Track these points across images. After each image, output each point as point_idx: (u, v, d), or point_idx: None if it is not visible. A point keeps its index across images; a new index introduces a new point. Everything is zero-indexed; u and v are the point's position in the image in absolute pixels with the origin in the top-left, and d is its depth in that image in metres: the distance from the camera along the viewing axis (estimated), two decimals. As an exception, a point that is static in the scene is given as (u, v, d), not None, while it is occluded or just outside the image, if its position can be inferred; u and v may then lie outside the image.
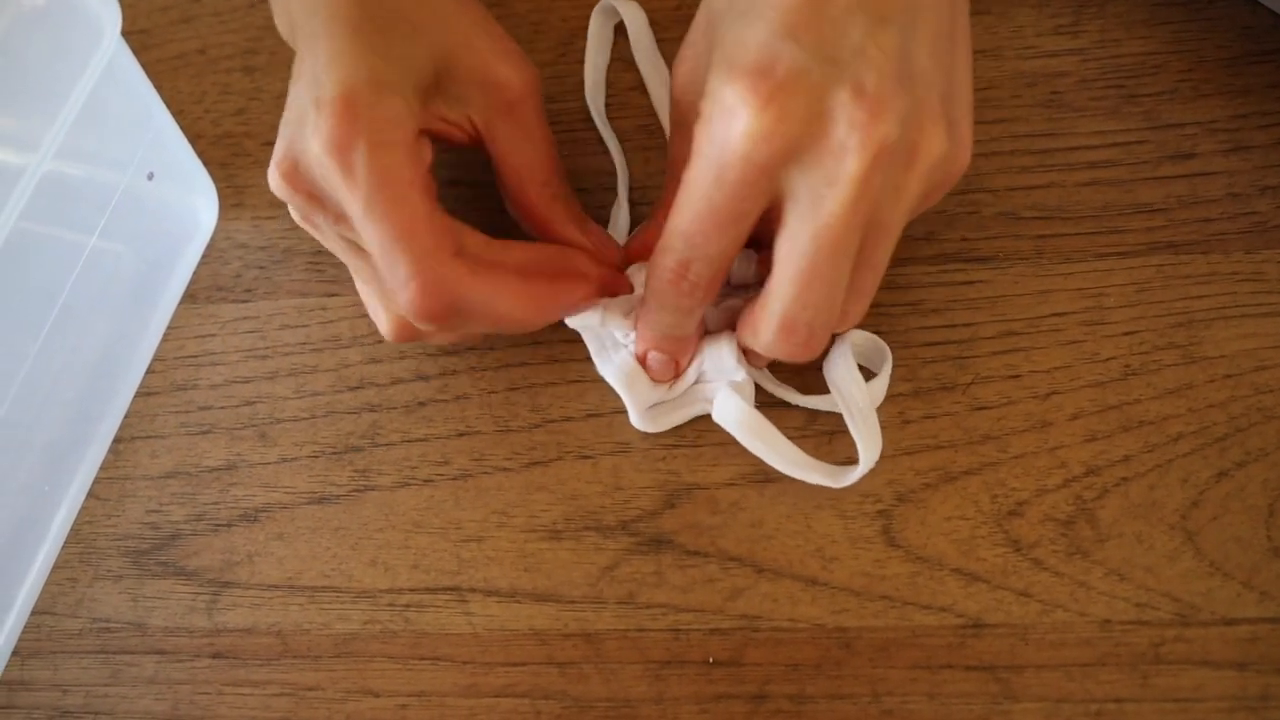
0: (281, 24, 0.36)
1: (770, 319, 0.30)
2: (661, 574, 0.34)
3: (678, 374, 0.35)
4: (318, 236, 0.33)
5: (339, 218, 0.31)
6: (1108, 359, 0.35)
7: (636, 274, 0.35)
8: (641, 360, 0.35)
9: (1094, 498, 0.33)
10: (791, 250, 0.28)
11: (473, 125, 0.34)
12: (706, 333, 0.35)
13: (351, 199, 0.30)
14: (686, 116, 0.31)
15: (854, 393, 0.34)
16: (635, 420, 0.35)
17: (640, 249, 0.35)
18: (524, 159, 0.34)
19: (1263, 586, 0.32)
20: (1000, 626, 0.32)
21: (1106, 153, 0.37)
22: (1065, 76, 0.39)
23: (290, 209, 0.33)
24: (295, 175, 0.31)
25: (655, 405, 0.36)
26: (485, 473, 0.36)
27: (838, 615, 0.33)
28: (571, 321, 0.35)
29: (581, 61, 0.42)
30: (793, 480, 0.35)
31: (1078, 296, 0.36)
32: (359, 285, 0.35)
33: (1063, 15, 0.40)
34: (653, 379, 0.35)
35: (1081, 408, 0.34)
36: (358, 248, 0.32)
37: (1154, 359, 0.35)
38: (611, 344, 0.36)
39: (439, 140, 0.34)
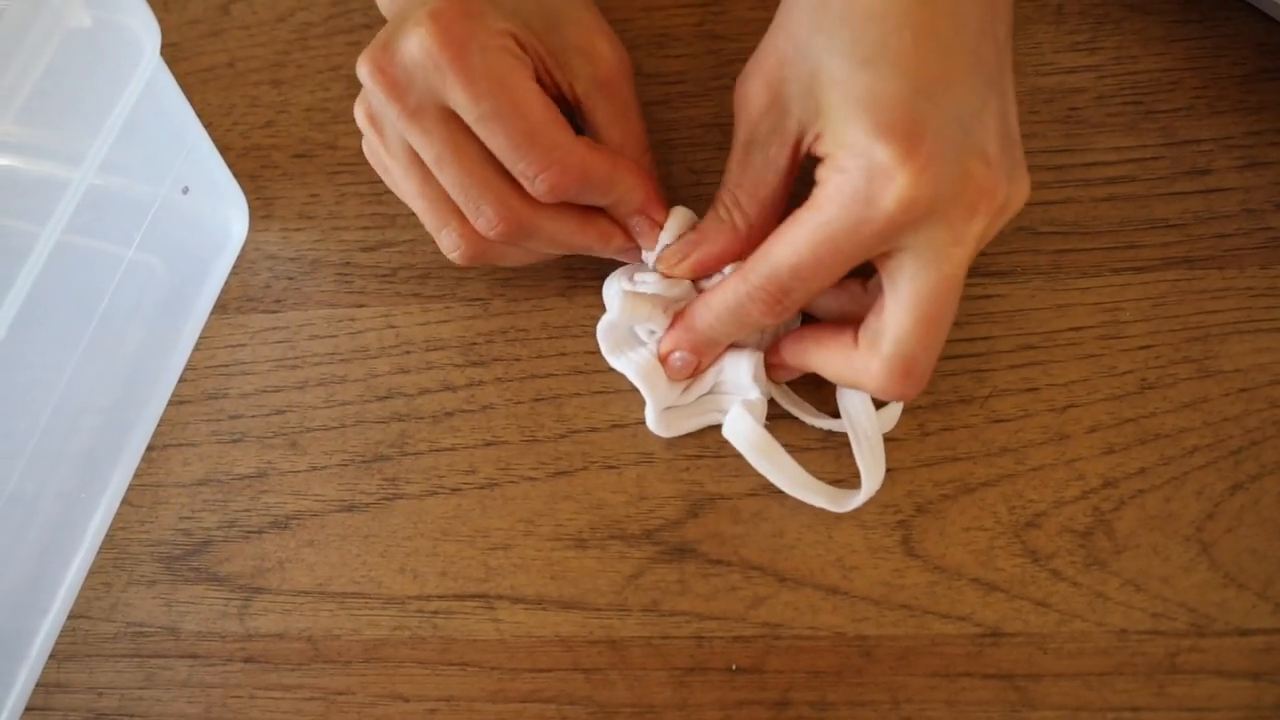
0: None
1: (893, 361, 0.31)
2: (685, 582, 0.35)
3: (696, 374, 0.36)
4: (378, 147, 0.34)
5: (416, 112, 0.32)
6: (1124, 373, 0.35)
7: (676, 220, 0.36)
8: (663, 359, 0.35)
9: (1111, 509, 0.34)
10: (917, 298, 0.30)
11: (572, 91, 0.35)
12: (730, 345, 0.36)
13: (472, 102, 0.31)
14: (766, 140, 0.32)
15: (863, 420, 0.34)
16: (651, 421, 0.36)
17: (702, 269, 0.35)
18: (620, 134, 0.35)
19: (1277, 597, 0.32)
20: (1018, 636, 0.33)
21: (1123, 168, 0.38)
22: (1082, 93, 0.39)
23: (361, 107, 0.34)
24: (388, 63, 0.31)
25: (670, 409, 0.36)
26: (512, 482, 0.37)
27: (858, 624, 0.34)
28: (625, 319, 0.35)
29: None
30: (814, 491, 0.35)
31: (1094, 311, 0.36)
32: (421, 204, 0.35)
33: (1080, 32, 0.40)
34: (670, 377, 0.36)
35: (1098, 421, 0.35)
36: (419, 161, 0.33)
37: (1170, 373, 0.35)
38: (631, 340, 0.36)
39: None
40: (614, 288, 0.37)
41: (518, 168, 0.32)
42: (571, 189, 0.33)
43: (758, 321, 0.33)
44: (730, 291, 0.33)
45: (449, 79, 0.31)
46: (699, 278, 0.35)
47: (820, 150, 0.30)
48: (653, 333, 0.36)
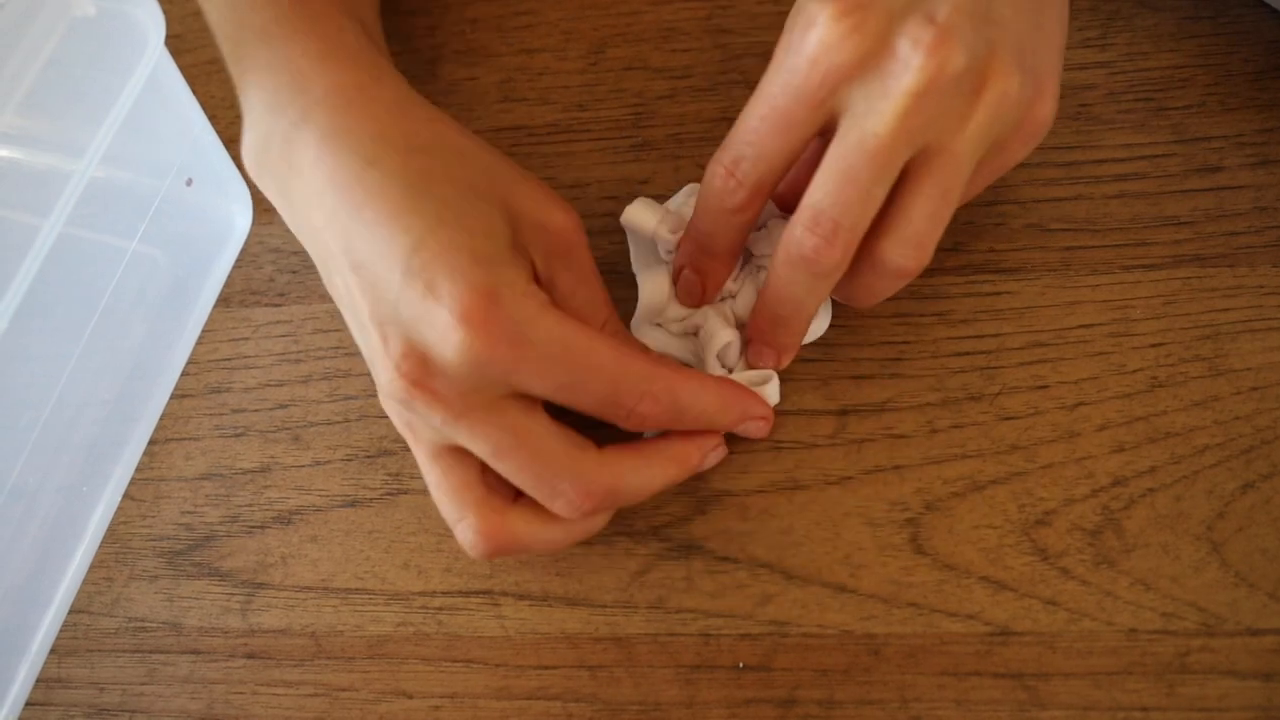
0: (267, 183, 0.34)
1: (803, 211, 0.31)
2: (692, 579, 0.35)
3: (700, 303, 0.36)
4: (403, 431, 0.33)
5: (465, 413, 0.30)
6: (1134, 371, 0.35)
7: (689, 198, 0.37)
8: (675, 276, 0.36)
9: (1121, 508, 0.34)
10: (836, 150, 0.30)
11: (534, 273, 0.32)
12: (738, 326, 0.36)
13: (543, 379, 0.30)
14: None
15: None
16: (634, 323, 0.37)
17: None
18: (585, 299, 0.33)
19: (1288, 598, 0.32)
20: (1027, 634, 0.33)
21: (1134, 165, 0.38)
22: (1093, 89, 0.39)
23: (391, 403, 0.32)
24: (426, 376, 0.29)
25: (653, 328, 0.37)
26: (517, 478, 0.37)
27: (866, 622, 0.34)
28: (625, 221, 0.36)
29: (611, 70, 0.42)
30: (822, 488, 0.35)
31: (1105, 308, 0.36)
32: (439, 495, 0.33)
33: (1091, 28, 0.40)
34: (678, 298, 0.36)
35: (1108, 419, 0.35)
36: (448, 456, 0.32)
37: (1180, 371, 0.35)
38: (654, 255, 0.37)
39: None
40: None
41: (612, 413, 0.31)
42: (666, 416, 0.32)
43: (726, 202, 0.32)
44: (703, 182, 0.33)
45: (514, 372, 0.29)
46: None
47: None
48: (670, 252, 0.37)
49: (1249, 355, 0.35)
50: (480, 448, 0.31)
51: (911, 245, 0.31)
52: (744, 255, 0.36)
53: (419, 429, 0.32)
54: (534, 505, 0.32)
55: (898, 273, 0.32)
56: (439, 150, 0.32)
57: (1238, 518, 0.33)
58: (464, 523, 0.32)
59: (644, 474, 0.33)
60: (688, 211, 0.37)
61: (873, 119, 0.29)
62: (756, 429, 0.35)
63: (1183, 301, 0.36)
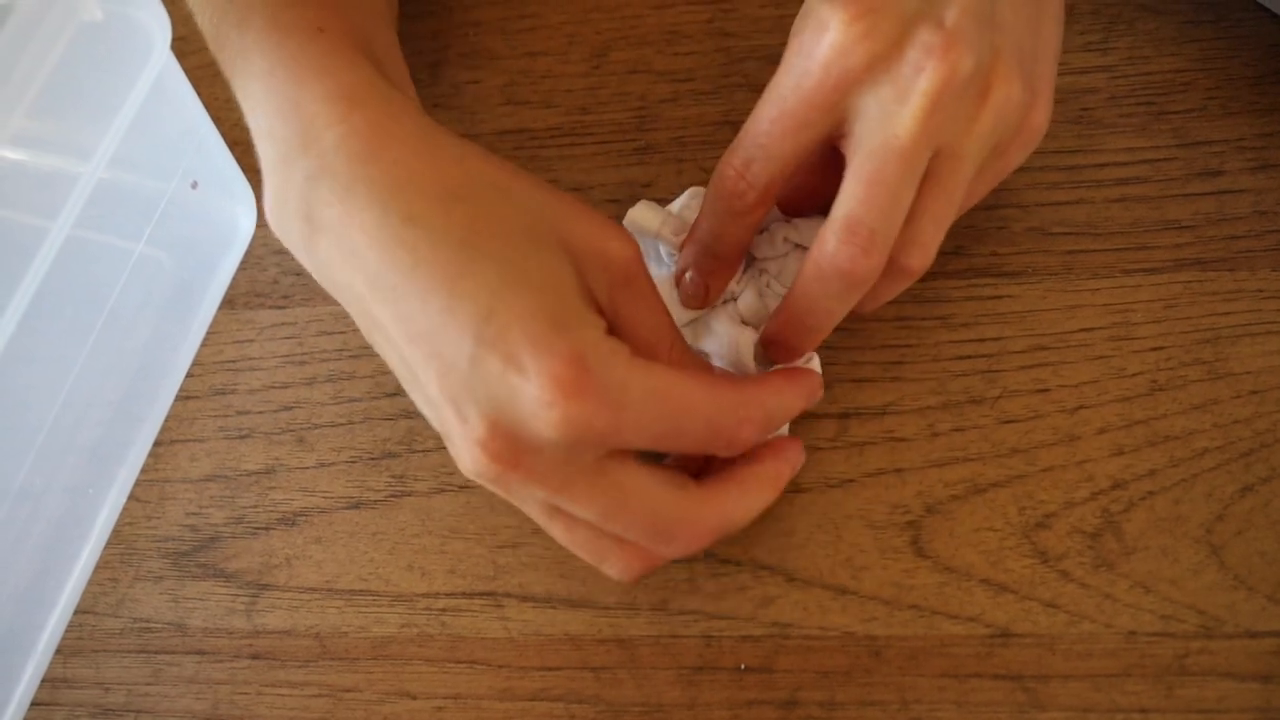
0: (294, 240, 0.31)
1: (835, 222, 0.30)
2: (694, 581, 0.35)
3: (703, 305, 0.36)
4: (510, 500, 0.31)
5: (566, 485, 0.28)
6: (1135, 374, 0.35)
7: (691, 201, 0.37)
8: (678, 279, 0.36)
9: (1120, 511, 0.34)
10: (860, 158, 0.30)
11: (596, 302, 0.30)
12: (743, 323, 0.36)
13: (639, 434, 0.28)
14: None
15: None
16: None
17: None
18: (651, 326, 0.32)
19: (1287, 600, 0.32)
20: (1027, 637, 0.33)
21: (1135, 169, 0.38)
22: (1095, 93, 0.39)
23: (482, 476, 0.29)
24: (517, 454, 0.28)
25: None
26: (520, 480, 0.37)
27: (867, 624, 0.34)
28: (628, 223, 0.36)
29: (615, 74, 0.42)
30: (823, 491, 0.35)
31: (1105, 312, 0.36)
32: (574, 541, 0.31)
33: (1092, 32, 0.40)
34: (681, 301, 0.36)
35: (1109, 422, 0.35)
36: (564, 513, 0.30)
37: (1180, 375, 0.35)
38: (655, 258, 0.37)
39: None
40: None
41: (714, 446, 0.30)
42: (762, 430, 0.31)
43: (735, 205, 0.32)
44: (712, 182, 0.33)
45: (615, 434, 0.27)
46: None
47: None
48: (673, 255, 0.37)
49: (1248, 359, 0.35)
50: (588, 514, 0.29)
51: (917, 245, 0.31)
52: (746, 259, 0.37)
53: (520, 498, 0.30)
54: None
55: (903, 273, 0.32)
56: (480, 194, 0.29)
57: (1237, 520, 0.33)
58: (607, 564, 0.31)
59: (746, 502, 0.32)
60: (690, 214, 0.37)
61: (893, 123, 0.29)
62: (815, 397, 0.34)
63: (1183, 305, 0.36)
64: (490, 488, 0.29)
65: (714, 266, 0.35)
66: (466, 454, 0.28)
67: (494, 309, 0.27)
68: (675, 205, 0.38)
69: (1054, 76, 0.33)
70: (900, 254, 0.31)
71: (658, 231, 0.36)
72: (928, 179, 0.31)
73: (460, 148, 0.30)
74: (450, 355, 0.27)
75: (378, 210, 0.28)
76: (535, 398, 0.26)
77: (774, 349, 0.35)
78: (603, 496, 0.29)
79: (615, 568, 0.31)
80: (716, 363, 0.36)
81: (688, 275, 0.36)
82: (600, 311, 0.30)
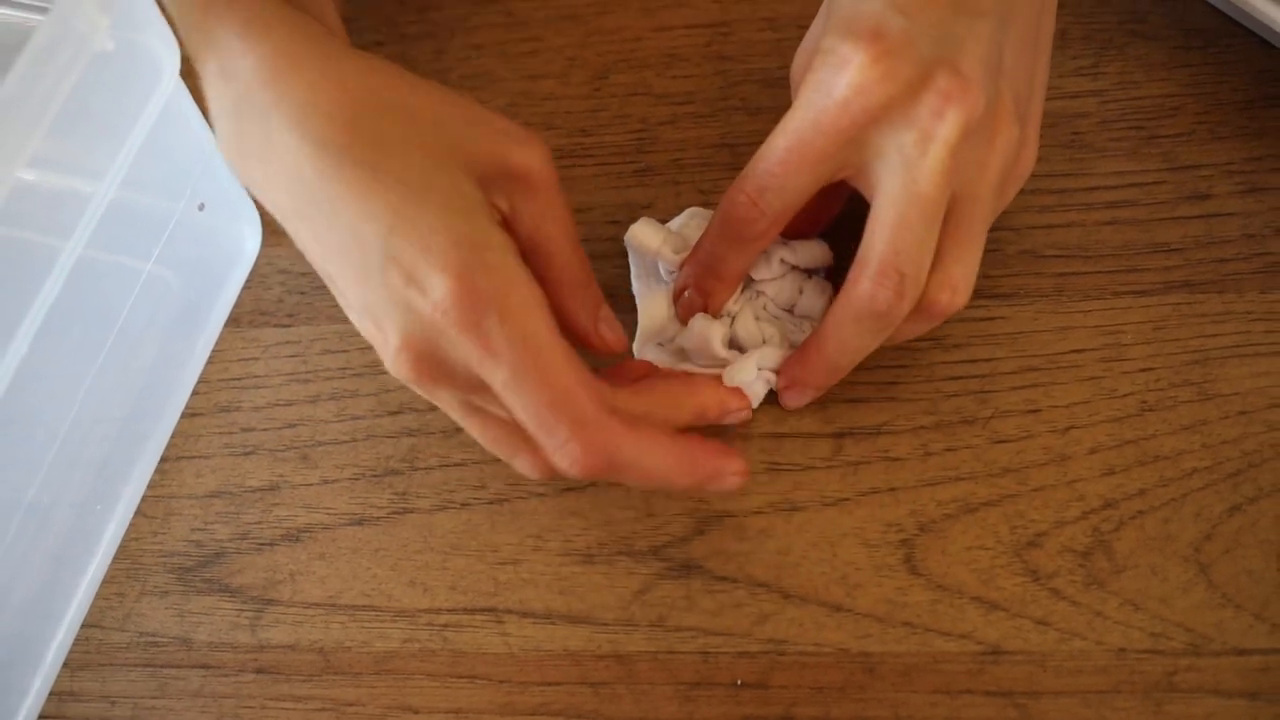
0: (252, 180, 0.32)
1: (868, 266, 0.32)
2: (691, 598, 0.36)
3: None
4: (432, 401, 0.33)
5: (471, 388, 0.30)
6: (1125, 395, 0.36)
7: (689, 220, 0.37)
8: (676, 296, 0.37)
9: (1110, 530, 0.34)
10: (886, 202, 0.31)
11: (501, 214, 0.32)
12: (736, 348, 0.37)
13: (493, 368, 0.29)
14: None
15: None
16: (635, 345, 0.38)
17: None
18: (546, 234, 0.33)
19: (1274, 618, 0.33)
20: (1019, 654, 0.34)
21: (1125, 193, 0.39)
22: (1085, 117, 0.40)
23: (410, 384, 0.31)
24: (428, 364, 0.30)
25: (654, 347, 0.38)
26: (520, 498, 0.38)
27: (861, 640, 0.34)
28: (629, 239, 0.37)
29: (614, 96, 0.43)
30: (818, 509, 0.36)
31: (1096, 334, 0.37)
32: (487, 438, 0.33)
33: (1083, 57, 0.41)
34: (678, 318, 0.37)
35: (1099, 442, 0.36)
36: (480, 411, 0.32)
37: (1170, 395, 0.36)
38: (655, 276, 0.38)
39: None
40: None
41: (544, 440, 0.30)
42: (600, 467, 0.30)
43: (745, 232, 0.33)
44: (721, 208, 0.34)
45: (472, 358, 0.29)
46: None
47: None
48: (671, 272, 0.37)
49: (1237, 380, 0.36)
50: (495, 411, 0.31)
51: (949, 289, 0.33)
52: (744, 280, 0.37)
53: (439, 400, 0.32)
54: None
55: (938, 315, 0.33)
56: (384, 113, 0.30)
57: (1225, 540, 0.34)
58: (517, 459, 0.33)
59: (637, 438, 0.31)
60: (690, 233, 0.37)
61: (916, 170, 0.30)
62: (730, 483, 0.33)
63: (1172, 327, 0.37)
64: (414, 389, 0.32)
65: (714, 287, 0.36)
66: (388, 361, 0.30)
67: (395, 226, 0.29)
68: (674, 224, 0.39)
69: (1040, 116, 0.34)
70: (935, 296, 0.33)
71: (658, 250, 0.37)
72: (950, 221, 0.32)
73: (366, 67, 0.31)
74: (361, 271, 0.29)
75: (293, 134, 0.29)
76: (432, 310, 0.28)
77: (793, 391, 0.36)
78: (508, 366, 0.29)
79: (525, 463, 0.33)
80: (696, 360, 0.37)
81: (687, 293, 0.36)
82: (506, 222, 0.32)
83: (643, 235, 0.37)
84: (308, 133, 0.29)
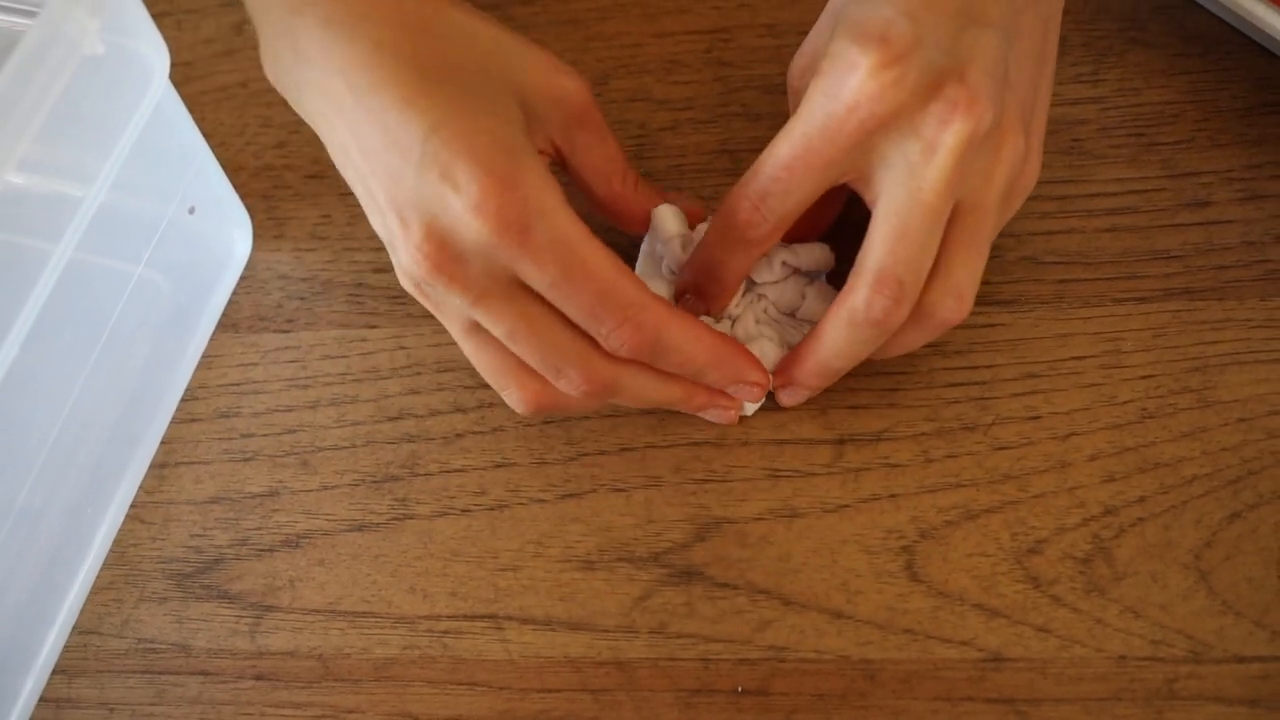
0: (283, 80, 0.34)
1: (866, 273, 0.32)
2: (692, 605, 0.36)
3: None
4: (436, 315, 0.34)
5: (481, 293, 0.31)
6: (1125, 402, 0.36)
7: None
8: (677, 298, 0.37)
9: (1111, 537, 0.35)
10: (888, 210, 0.31)
11: (554, 144, 0.35)
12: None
13: (540, 271, 0.30)
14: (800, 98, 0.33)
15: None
16: None
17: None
18: (603, 157, 0.36)
19: (1274, 625, 0.33)
20: (1020, 661, 0.34)
21: (1125, 199, 0.39)
22: (1086, 124, 0.40)
23: (408, 281, 0.33)
24: (444, 258, 0.30)
25: None
26: (521, 504, 0.38)
27: (862, 647, 0.34)
28: (654, 216, 0.37)
29: (615, 101, 0.43)
30: (819, 516, 0.36)
31: (1096, 340, 0.37)
32: (482, 362, 0.34)
33: (1083, 64, 0.41)
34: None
35: (1099, 449, 0.36)
36: (480, 333, 0.33)
37: (1170, 403, 0.36)
38: (656, 273, 0.38)
39: None
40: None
41: (594, 329, 0.32)
42: (646, 349, 0.32)
43: (747, 235, 0.33)
44: (722, 210, 0.34)
45: (518, 260, 0.30)
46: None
47: None
48: (673, 271, 0.37)
49: (1236, 387, 0.36)
50: (497, 330, 0.32)
51: (953, 297, 0.33)
52: (745, 282, 0.37)
53: (445, 308, 0.33)
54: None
55: (941, 324, 0.33)
56: (444, 32, 0.32)
57: (1225, 547, 0.34)
58: (507, 391, 0.34)
59: (644, 382, 0.34)
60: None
61: (920, 175, 0.30)
62: (749, 394, 0.36)
63: (1172, 334, 0.37)
64: (419, 297, 0.33)
65: (715, 291, 0.36)
66: (406, 256, 0.31)
67: (438, 125, 0.30)
68: (699, 231, 0.38)
69: (1044, 130, 0.34)
70: (938, 306, 0.33)
71: (672, 237, 0.37)
72: (954, 231, 0.32)
73: None
74: (397, 167, 0.30)
75: (350, 38, 0.31)
76: (462, 205, 0.29)
77: (789, 390, 0.37)
78: (512, 315, 0.32)
79: (514, 396, 0.34)
80: None
81: (687, 297, 0.36)
82: (556, 149, 0.35)
83: (664, 219, 0.37)
84: (369, 35, 0.31)
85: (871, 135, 0.30)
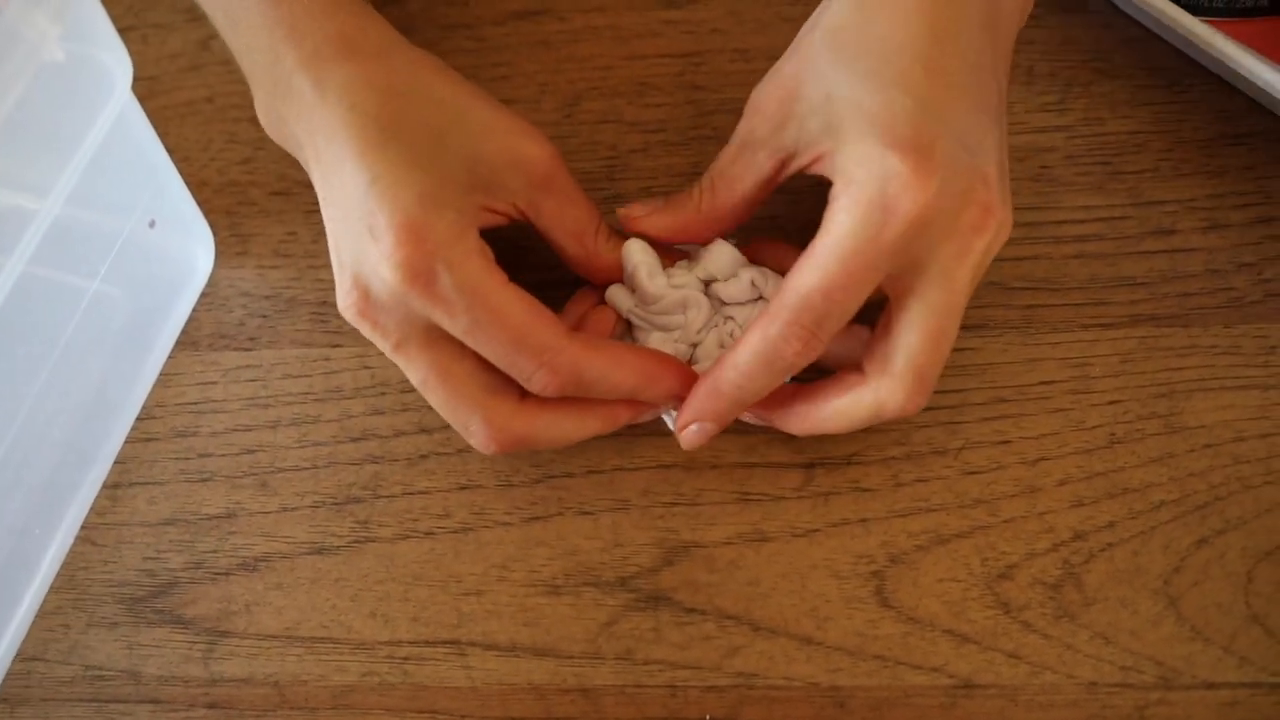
0: (278, 133, 0.37)
1: (906, 375, 0.32)
2: (659, 631, 0.35)
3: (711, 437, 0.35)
4: (397, 362, 0.34)
5: (401, 340, 0.33)
6: (1094, 427, 0.36)
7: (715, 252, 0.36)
8: (681, 429, 0.34)
9: (1081, 562, 0.34)
10: (926, 311, 0.32)
11: (516, 208, 0.35)
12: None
13: (451, 320, 0.31)
14: (759, 145, 0.34)
15: None
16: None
17: (655, 231, 0.36)
18: (573, 220, 0.36)
19: (1242, 652, 0.33)
20: (990, 687, 0.33)
21: (1092, 226, 0.39)
22: (1053, 152, 0.40)
23: (355, 324, 0.33)
24: (367, 306, 0.32)
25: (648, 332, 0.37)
26: (486, 527, 0.37)
27: (832, 674, 0.34)
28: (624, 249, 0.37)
29: (586, 123, 0.43)
30: (789, 540, 0.36)
31: (1064, 365, 0.37)
32: (443, 404, 0.34)
33: (1050, 93, 0.41)
34: (685, 446, 0.35)
35: (1069, 474, 0.36)
36: (441, 370, 0.33)
37: (1137, 428, 0.36)
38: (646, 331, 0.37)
39: (488, 230, 0.34)
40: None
41: (515, 374, 0.32)
42: (570, 387, 0.33)
43: (791, 364, 0.32)
44: (758, 338, 0.32)
45: (425, 310, 0.31)
46: (654, 237, 0.36)
47: (826, 169, 0.32)
48: (640, 316, 0.37)
49: (1202, 413, 0.36)
50: (412, 378, 0.34)
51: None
52: (714, 303, 0.37)
53: (403, 359, 0.34)
54: (535, 402, 0.34)
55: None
56: (415, 95, 0.33)
57: (1193, 572, 0.34)
58: (467, 430, 0.35)
59: (561, 427, 0.35)
60: (712, 267, 0.36)
61: (954, 280, 0.31)
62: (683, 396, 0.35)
63: (1139, 360, 0.37)
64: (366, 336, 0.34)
65: (735, 414, 0.34)
66: (340, 300, 0.33)
67: (376, 178, 0.31)
68: (703, 253, 0.37)
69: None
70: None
71: (635, 266, 0.36)
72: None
73: (414, 55, 0.35)
74: (343, 215, 0.32)
75: (336, 100, 0.33)
76: (379, 255, 0.31)
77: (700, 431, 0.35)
78: (424, 364, 0.33)
79: (474, 437, 0.34)
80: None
81: (694, 427, 0.34)
82: (520, 212, 0.35)
83: (632, 250, 0.36)
84: (348, 99, 0.33)
85: (912, 241, 0.31)
